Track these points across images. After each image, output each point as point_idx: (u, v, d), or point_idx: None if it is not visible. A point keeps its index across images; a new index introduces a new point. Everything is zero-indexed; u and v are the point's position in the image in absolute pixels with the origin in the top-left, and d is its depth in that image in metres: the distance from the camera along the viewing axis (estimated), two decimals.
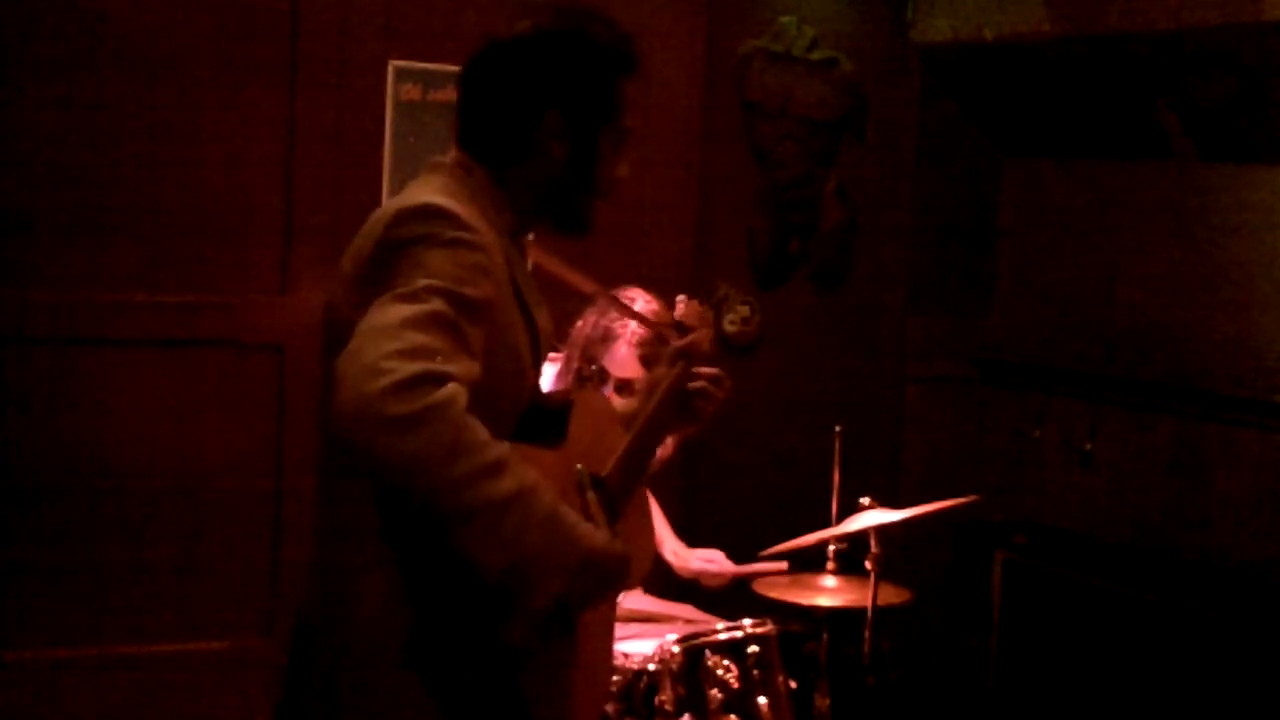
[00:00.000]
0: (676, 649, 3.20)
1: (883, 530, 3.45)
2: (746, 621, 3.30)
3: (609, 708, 3.12)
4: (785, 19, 4.96)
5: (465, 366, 1.97)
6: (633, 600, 3.62)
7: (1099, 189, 5.03)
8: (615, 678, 3.14)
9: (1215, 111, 4.49)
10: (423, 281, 2.00)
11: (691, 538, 3.94)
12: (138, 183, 4.05)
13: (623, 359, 3.55)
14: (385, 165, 4.32)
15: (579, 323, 3.65)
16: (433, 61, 4.33)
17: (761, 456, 4.97)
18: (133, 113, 4.04)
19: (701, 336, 2.55)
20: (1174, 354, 4.76)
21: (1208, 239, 4.68)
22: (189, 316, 4.13)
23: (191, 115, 4.10)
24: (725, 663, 3.22)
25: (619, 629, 3.04)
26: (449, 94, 4.29)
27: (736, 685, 3.21)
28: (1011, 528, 5.03)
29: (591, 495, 2.18)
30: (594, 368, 3.51)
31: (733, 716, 3.19)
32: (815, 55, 5.00)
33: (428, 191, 2.17)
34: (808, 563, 3.65)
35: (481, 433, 1.94)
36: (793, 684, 3.29)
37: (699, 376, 2.50)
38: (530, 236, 2.38)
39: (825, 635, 3.41)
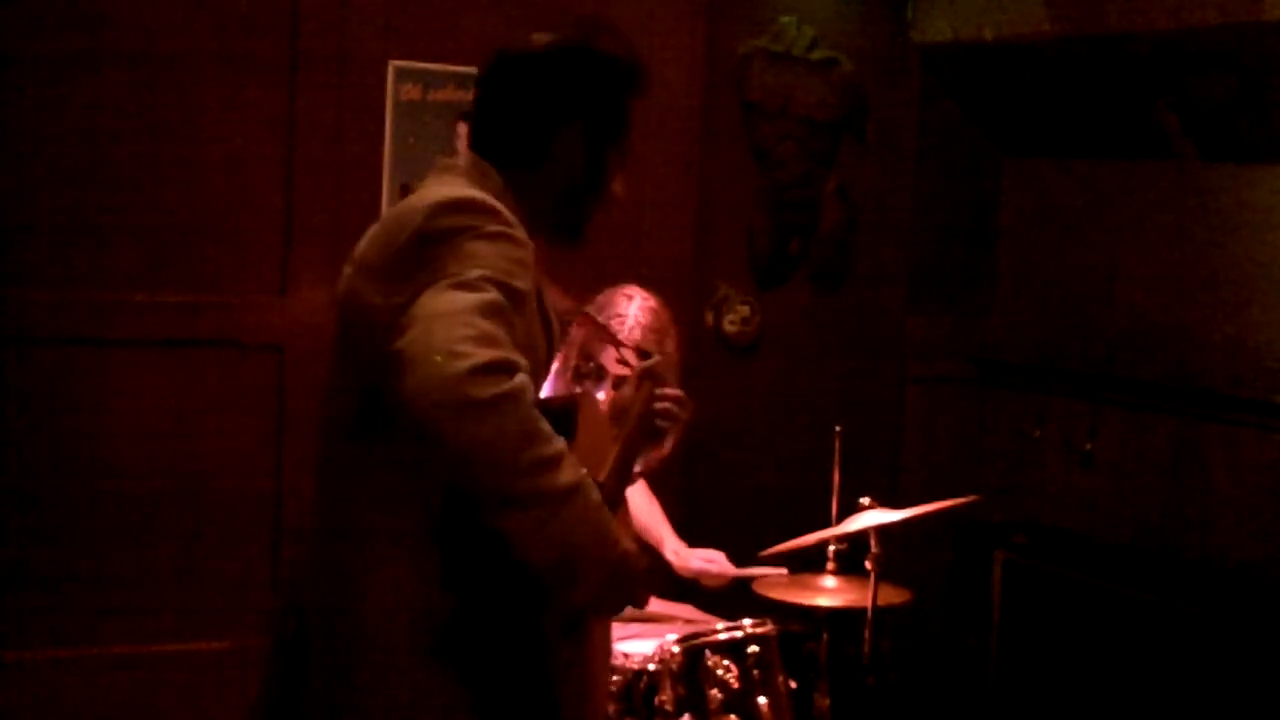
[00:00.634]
0: (676, 649, 3.20)
1: (883, 530, 3.45)
2: (746, 621, 3.30)
3: (609, 708, 3.12)
4: (785, 19, 4.95)
5: (521, 358, 2.00)
6: None
7: (1099, 189, 5.03)
8: (615, 678, 3.14)
9: (1215, 111, 4.49)
10: (477, 271, 2.01)
11: (691, 538, 3.94)
12: (138, 183, 4.05)
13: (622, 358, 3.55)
14: (385, 165, 4.31)
15: (576, 323, 3.65)
16: (433, 61, 4.32)
17: (761, 456, 4.97)
18: (133, 113, 4.04)
19: (662, 362, 2.60)
20: (1174, 354, 4.75)
21: (1208, 239, 4.67)
22: (189, 316, 4.13)
23: (191, 115, 4.10)
24: (725, 663, 3.22)
25: (619, 629, 3.05)
26: (449, 94, 4.29)
27: (736, 685, 3.21)
28: (1011, 528, 5.02)
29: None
30: (592, 365, 3.52)
31: (733, 716, 3.19)
32: (815, 55, 5.00)
33: (457, 187, 2.18)
34: (808, 563, 3.65)
35: (546, 424, 1.98)
36: (793, 684, 3.29)
37: (665, 398, 2.53)
38: None
39: (825, 635, 3.41)
